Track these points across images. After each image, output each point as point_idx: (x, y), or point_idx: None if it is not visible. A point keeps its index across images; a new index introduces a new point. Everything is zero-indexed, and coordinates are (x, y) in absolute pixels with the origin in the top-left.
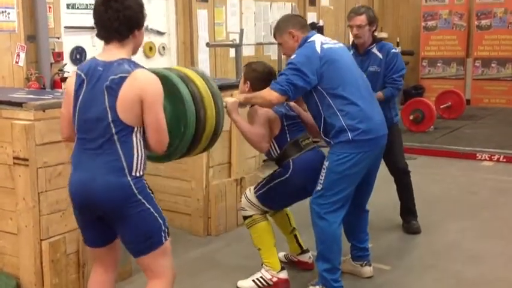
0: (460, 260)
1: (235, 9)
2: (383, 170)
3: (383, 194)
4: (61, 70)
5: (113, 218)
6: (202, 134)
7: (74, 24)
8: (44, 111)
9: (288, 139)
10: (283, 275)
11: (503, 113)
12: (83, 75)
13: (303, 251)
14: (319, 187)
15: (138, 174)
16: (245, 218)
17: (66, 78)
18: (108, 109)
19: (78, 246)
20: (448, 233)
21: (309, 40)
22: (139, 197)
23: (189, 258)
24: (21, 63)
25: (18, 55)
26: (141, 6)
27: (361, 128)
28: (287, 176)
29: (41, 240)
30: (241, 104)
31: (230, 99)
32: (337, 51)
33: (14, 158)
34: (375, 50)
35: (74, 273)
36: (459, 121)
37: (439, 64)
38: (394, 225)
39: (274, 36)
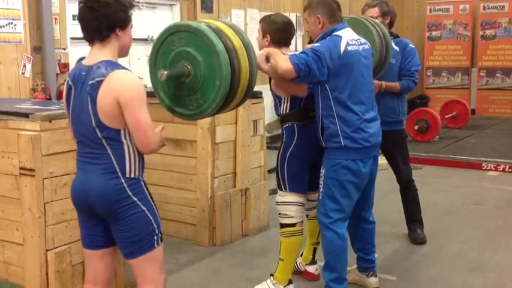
0: (466, 270)
1: (240, 20)
2: (387, 179)
3: (388, 202)
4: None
5: (107, 217)
6: (238, 86)
7: (79, 35)
8: (50, 121)
9: (302, 104)
10: None
11: (509, 122)
12: (70, 81)
13: (312, 262)
14: (320, 196)
15: (133, 176)
16: (285, 225)
17: None
18: (91, 115)
19: (83, 256)
20: (453, 244)
21: (336, 33)
22: (134, 198)
23: (194, 268)
24: (27, 74)
25: (24, 66)
26: (123, 5)
27: (354, 137)
28: (294, 142)
29: (47, 250)
30: (267, 57)
31: (257, 52)
32: (358, 55)
33: (20, 168)
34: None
35: (80, 283)
36: (464, 131)
37: (443, 74)
38: (400, 234)
39: (304, 10)
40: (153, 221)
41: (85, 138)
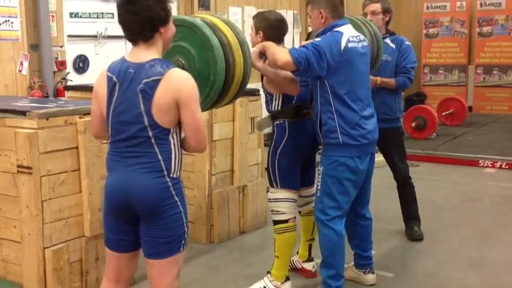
0: (463, 267)
1: (237, 17)
2: (384, 177)
3: (386, 200)
4: (64, 78)
5: (147, 216)
6: (231, 81)
7: (76, 33)
8: (47, 119)
9: (293, 101)
10: (287, 286)
11: (505, 119)
12: (114, 77)
13: (308, 259)
14: (318, 193)
15: (176, 175)
16: (278, 222)
17: (69, 86)
18: (144, 113)
19: (81, 254)
20: (451, 240)
21: (337, 29)
22: (176, 198)
23: (192, 265)
24: (25, 71)
25: (21, 64)
26: (163, 2)
27: (352, 134)
28: (285, 139)
29: (44, 248)
30: (261, 53)
31: (251, 49)
32: (357, 53)
33: (18, 166)
34: (387, 40)
35: (77, 281)
36: (461, 128)
37: (440, 71)
38: (397, 231)
39: (307, 4)
40: (185, 224)
41: (128, 137)
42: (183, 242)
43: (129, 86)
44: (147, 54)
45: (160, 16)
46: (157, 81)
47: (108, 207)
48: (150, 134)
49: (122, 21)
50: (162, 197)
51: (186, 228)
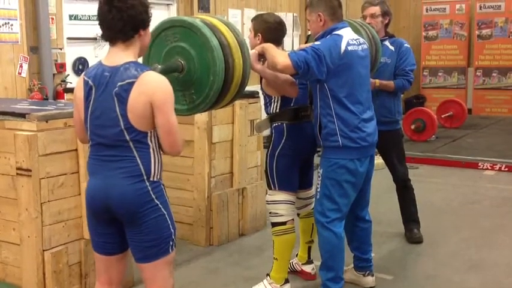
0: (462, 269)
1: (237, 20)
2: (384, 179)
3: (385, 202)
4: (63, 81)
5: (128, 221)
6: (231, 82)
7: (76, 35)
8: (47, 122)
9: (292, 104)
10: None
11: (505, 122)
12: (90, 81)
13: (308, 262)
14: (317, 196)
15: (155, 179)
16: (276, 224)
17: (68, 88)
18: (119, 116)
19: (80, 257)
20: (450, 243)
21: (336, 32)
22: (157, 201)
23: (191, 268)
24: (24, 74)
25: (21, 66)
26: (146, 6)
27: (352, 137)
28: (283, 141)
29: (44, 250)
30: (260, 55)
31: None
32: (357, 56)
33: (17, 168)
34: (386, 43)
35: (77, 283)
36: (461, 130)
37: (440, 74)
38: (397, 233)
39: (306, 9)
40: (171, 225)
41: (106, 141)
42: (170, 243)
43: (105, 90)
44: (123, 56)
45: (142, 18)
46: (131, 84)
47: (88, 211)
48: (127, 137)
49: (104, 19)
50: (141, 201)
51: (172, 230)
